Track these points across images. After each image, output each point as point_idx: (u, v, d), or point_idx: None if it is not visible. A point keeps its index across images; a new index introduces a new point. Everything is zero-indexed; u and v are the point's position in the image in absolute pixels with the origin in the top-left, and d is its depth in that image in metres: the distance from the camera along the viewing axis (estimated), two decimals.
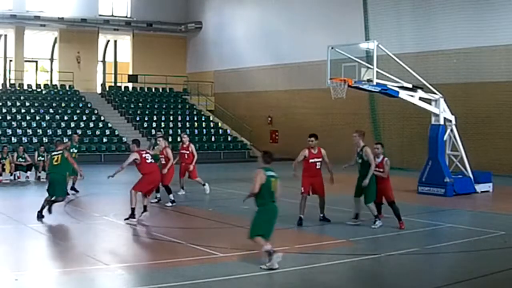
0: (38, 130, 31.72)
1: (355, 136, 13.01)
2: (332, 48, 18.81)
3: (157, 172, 14.20)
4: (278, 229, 12.76)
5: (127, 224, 13.21)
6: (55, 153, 14.67)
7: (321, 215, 13.67)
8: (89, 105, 36.06)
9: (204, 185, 18.21)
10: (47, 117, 33.29)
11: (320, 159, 13.46)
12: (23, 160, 21.77)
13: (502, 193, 19.15)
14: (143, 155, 13.83)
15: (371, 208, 12.78)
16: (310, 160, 13.40)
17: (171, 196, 16.07)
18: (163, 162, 16.18)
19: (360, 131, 13.21)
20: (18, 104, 33.99)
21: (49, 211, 13.88)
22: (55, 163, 14.41)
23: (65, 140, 30.09)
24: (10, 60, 38.19)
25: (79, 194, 17.75)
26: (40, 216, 13.69)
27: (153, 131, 34.03)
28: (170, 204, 15.96)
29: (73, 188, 17.88)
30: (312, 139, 13.44)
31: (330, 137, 31.81)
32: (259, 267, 9.24)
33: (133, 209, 13.30)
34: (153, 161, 14.17)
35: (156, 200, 16.28)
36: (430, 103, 18.93)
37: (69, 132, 31.88)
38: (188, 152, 17.84)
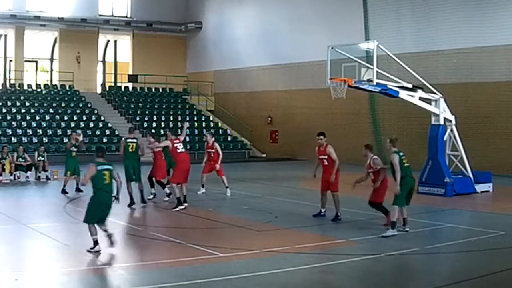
0: (38, 130, 31.72)
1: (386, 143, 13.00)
2: (332, 48, 18.81)
3: (187, 161, 15.29)
4: (279, 229, 12.83)
5: (175, 212, 14.62)
6: (130, 140, 15.86)
7: (323, 210, 14.05)
8: (89, 105, 36.06)
9: (227, 187, 18.13)
10: (47, 117, 33.29)
11: (325, 156, 13.81)
12: (23, 160, 21.76)
13: (502, 193, 19.16)
14: (175, 144, 15.21)
15: (394, 211, 12.17)
16: (319, 157, 13.96)
17: (166, 190, 16.47)
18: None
19: (390, 138, 13.06)
20: (18, 104, 33.99)
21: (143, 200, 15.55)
22: (131, 150, 15.69)
23: (66, 140, 30.22)
24: (10, 60, 38.19)
25: (82, 194, 17.75)
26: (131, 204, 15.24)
27: (153, 131, 34.07)
28: (166, 198, 16.28)
29: (77, 189, 17.95)
30: (321, 137, 13.99)
31: (330, 137, 31.80)
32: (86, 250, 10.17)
33: (178, 199, 14.85)
34: (183, 150, 15.37)
35: (152, 196, 16.65)
36: (430, 103, 18.93)
37: (69, 132, 31.89)
38: (213, 150, 18.26)
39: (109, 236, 10.32)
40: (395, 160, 12.36)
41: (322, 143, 13.89)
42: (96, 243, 10.25)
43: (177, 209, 14.80)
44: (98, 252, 10.20)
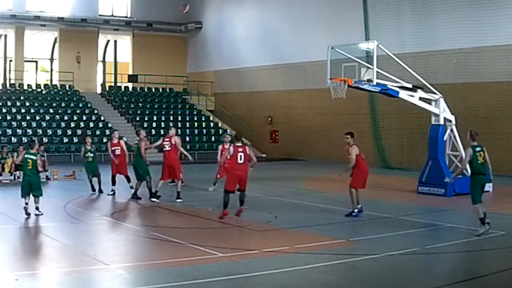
0: (38, 130, 31.71)
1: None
2: (332, 48, 18.82)
3: (170, 160, 16.39)
4: (278, 229, 12.83)
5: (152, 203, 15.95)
6: (136, 143, 17.29)
7: (358, 206, 14.31)
8: (89, 105, 36.06)
9: (214, 184, 18.75)
10: (47, 117, 33.28)
11: (349, 155, 14.39)
12: None
13: (502, 193, 19.15)
14: (164, 142, 16.61)
15: (476, 210, 12.23)
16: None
17: (130, 184, 17.68)
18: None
19: (470, 131, 12.95)
20: (18, 104, 33.99)
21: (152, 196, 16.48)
22: (136, 153, 16.96)
23: (66, 140, 30.21)
24: (10, 60, 38.20)
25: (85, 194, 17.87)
26: (137, 198, 16.62)
27: (153, 131, 34.14)
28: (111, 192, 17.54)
29: (99, 190, 18.24)
30: (347, 136, 14.57)
31: (329, 137, 31.84)
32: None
33: (155, 192, 16.26)
34: (169, 149, 16.46)
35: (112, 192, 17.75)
36: (430, 103, 18.93)
37: (69, 132, 31.96)
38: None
39: (37, 208, 13.78)
40: (469, 152, 12.36)
41: (348, 142, 14.38)
42: (26, 211, 13.69)
43: (153, 199, 16.24)
44: (27, 217, 13.56)
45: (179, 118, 37.02)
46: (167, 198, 16.67)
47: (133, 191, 17.02)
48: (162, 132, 33.95)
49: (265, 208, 15.58)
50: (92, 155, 18.44)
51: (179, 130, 34.47)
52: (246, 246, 11.04)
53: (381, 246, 11.11)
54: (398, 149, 27.79)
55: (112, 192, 17.60)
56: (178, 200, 16.23)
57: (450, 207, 16.12)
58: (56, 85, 38.27)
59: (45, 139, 30.46)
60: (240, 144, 13.92)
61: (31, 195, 13.89)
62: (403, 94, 18.37)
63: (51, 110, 34.12)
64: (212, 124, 37.48)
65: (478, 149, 12.34)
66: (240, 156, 13.65)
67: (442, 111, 18.75)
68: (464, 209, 16.19)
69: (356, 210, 14.13)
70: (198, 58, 41.78)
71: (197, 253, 10.28)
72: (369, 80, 17.68)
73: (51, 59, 40.51)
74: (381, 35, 25.59)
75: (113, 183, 17.78)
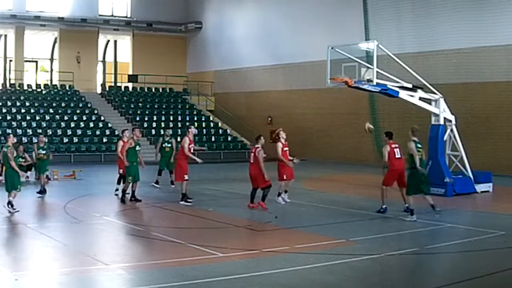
0: (38, 130, 31.68)
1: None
2: (332, 48, 18.82)
3: (178, 162, 16.50)
4: (279, 229, 12.83)
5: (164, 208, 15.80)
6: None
7: (383, 206, 14.59)
8: (89, 105, 36.06)
9: (284, 192, 17.02)
10: (47, 117, 33.29)
11: None
12: (23, 160, 21.67)
13: (502, 193, 19.15)
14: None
15: (409, 200, 13.74)
16: None
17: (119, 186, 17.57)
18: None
19: (411, 128, 14.14)
20: (18, 104, 33.99)
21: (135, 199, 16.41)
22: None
23: (66, 140, 30.16)
24: (10, 60, 38.20)
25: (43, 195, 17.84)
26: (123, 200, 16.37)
27: (153, 131, 34.15)
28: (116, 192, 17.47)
29: (41, 191, 17.88)
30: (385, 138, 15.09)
31: (329, 137, 31.85)
32: None
33: (183, 194, 16.19)
34: (178, 151, 17.03)
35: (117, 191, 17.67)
36: (430, 103, 18.93)
37: (69, 132, 31.96)
38: (287, 149, 17.35)
39: (8, 203, 13.99)
40: (413, 145, 13.57)
41: (385, 141, 15.04)
42: (11, 205, 14.02)
43: (182, 202, 15.97)
44: (10, 212, 13.87)
45: (179, 118, 37.01)
46: (165, 198, 16.66)
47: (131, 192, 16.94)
48: (161, 132, 33.97)
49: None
50: (44, 152, 19.13)
51: (179, 130, 34.55)
52: (246, 246, 11.05)
53: (381, 246, 11.11)
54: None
55: (117, 192, 17.47)
56: (181, 203, 15.97)
57: (450, 207, 16.10)
58: (56, 85, 38.27)
59: (45, 139, 30.38)
60: (257, 145, 15.88)
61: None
62: (403, 94, 18.37)
63: (51, 110, 34.12)
64: (212, 124, 37.48)
65: (419, 145, 13.78)
66: (251, 156, 15.77)
67: (442, 111, 18.75)
68: (464, 209, 16.24)
69: (384, 206, 14.54)
70: (198, 58, 41.77)
71: (197, 253, 10.28)
72: (369, 80, 17.67)
73: (51, 59, 40.51)
74: (381, 35, 25.57)
75: (119, 182, 17.68)
